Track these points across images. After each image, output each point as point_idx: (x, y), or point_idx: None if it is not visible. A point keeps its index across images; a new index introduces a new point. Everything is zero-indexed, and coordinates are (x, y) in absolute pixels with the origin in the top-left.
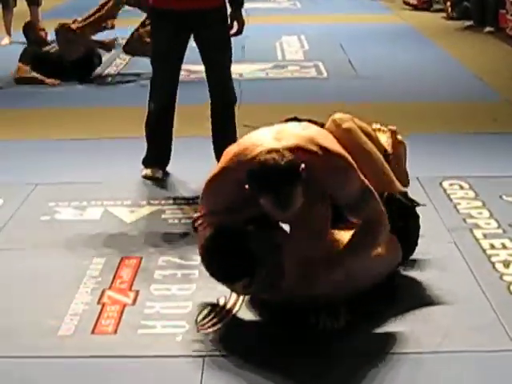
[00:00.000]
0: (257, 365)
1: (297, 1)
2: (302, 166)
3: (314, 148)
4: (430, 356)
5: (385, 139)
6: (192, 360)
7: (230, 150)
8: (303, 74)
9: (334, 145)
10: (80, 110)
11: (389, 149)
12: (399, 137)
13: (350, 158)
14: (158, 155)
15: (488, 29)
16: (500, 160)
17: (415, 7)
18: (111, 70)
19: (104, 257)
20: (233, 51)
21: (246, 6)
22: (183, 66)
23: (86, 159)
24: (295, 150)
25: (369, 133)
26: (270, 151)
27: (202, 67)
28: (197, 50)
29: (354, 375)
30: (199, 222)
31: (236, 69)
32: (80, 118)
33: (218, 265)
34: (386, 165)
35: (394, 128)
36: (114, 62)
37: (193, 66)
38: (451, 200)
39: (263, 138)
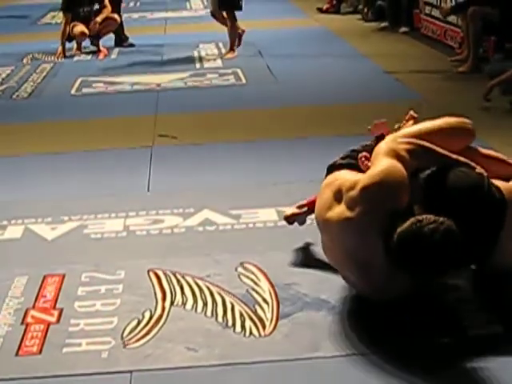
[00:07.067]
0: (185, 378)
1: None
2: None
3: None
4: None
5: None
6: (119, 376)
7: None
8: (222, 81)
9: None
10: None
11: None
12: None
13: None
14: None
15: (403, 29)
16: None
17: (326, 11)
18: (28, 85)
19: (26, 276)
20: (150, 61)
21: (163, 15)
22: (104, 78)
23: (3, 177)
24: None
25: None
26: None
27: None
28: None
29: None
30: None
31: (154, 79)
32: None
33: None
34: None
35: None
36: (31, 77)
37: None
38: None
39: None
